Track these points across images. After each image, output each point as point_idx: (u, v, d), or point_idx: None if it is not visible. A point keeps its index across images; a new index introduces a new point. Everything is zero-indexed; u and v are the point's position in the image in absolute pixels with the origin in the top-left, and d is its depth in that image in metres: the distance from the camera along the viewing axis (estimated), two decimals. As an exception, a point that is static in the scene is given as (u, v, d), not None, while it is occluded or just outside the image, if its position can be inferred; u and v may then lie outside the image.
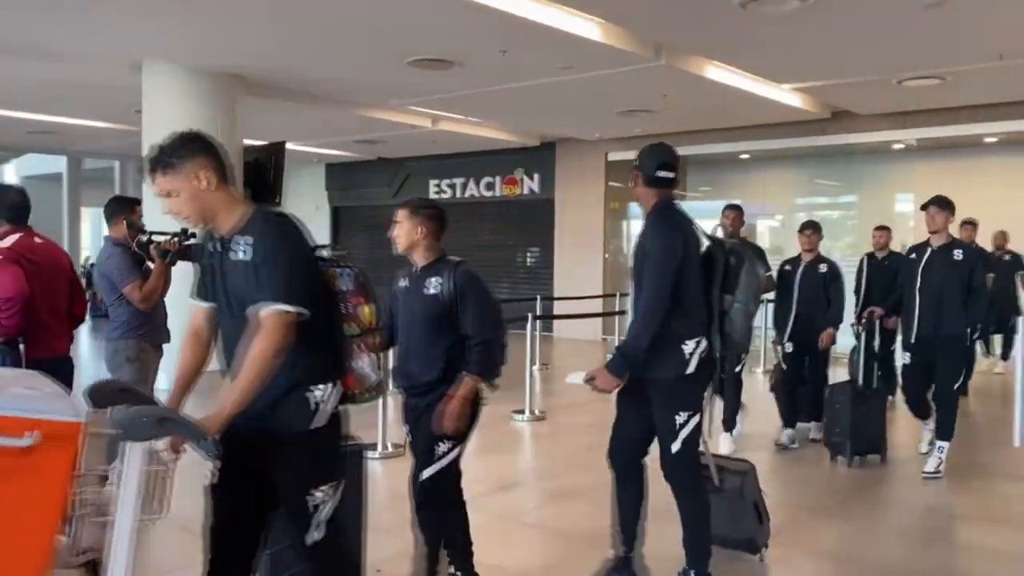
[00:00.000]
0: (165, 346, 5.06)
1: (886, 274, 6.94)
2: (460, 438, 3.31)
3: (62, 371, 3.98)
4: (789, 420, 6.31)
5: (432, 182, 16.16)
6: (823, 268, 6.16)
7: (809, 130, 11.35)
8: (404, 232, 3.33)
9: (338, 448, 2.59)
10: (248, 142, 9.35)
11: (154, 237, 4.87)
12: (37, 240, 4.06)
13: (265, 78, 8.95)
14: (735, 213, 6.27)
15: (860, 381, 5.93)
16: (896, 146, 11.89)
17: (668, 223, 3.31)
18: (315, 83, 9.31)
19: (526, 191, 14.86)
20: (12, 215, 4.02)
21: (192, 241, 4.92)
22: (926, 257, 5.44)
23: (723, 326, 3.36)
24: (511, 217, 15.39)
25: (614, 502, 3.59)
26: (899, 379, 6.15)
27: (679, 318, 3.25)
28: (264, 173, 9.23)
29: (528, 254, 15.50)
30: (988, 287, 7.54)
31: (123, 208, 4.90)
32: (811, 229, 6.25)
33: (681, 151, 11.13)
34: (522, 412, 7.35)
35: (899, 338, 5.94)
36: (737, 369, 6.11)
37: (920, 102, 9.80)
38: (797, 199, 14.29)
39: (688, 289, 3.27)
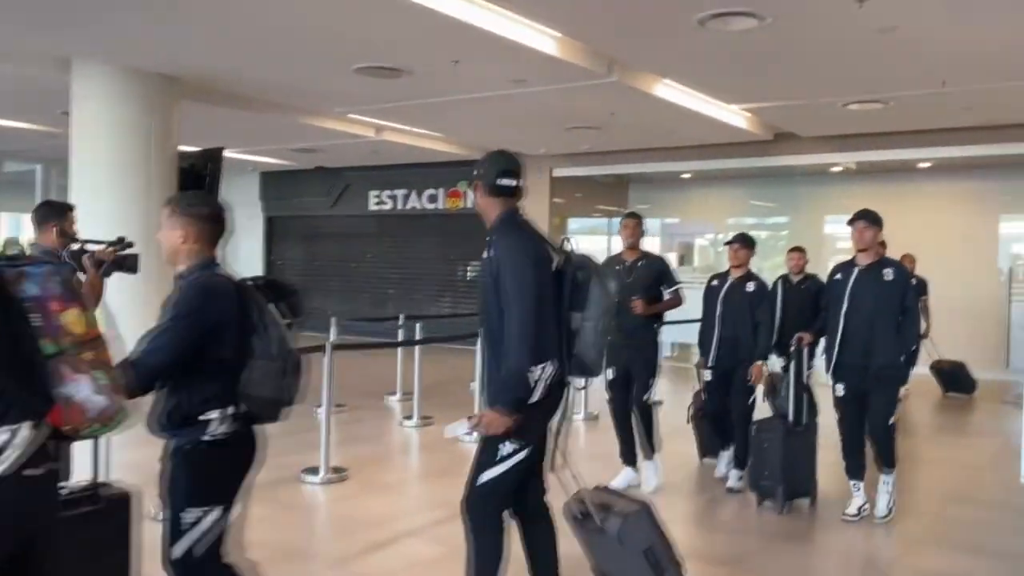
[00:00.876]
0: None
1: (803, 298, 6.48)
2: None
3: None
4: (710, 450, 6.13)
5: (372, 193, 15.88)
6: (751, 287, 5.62)
7: (752, 151, 11.47)
8: (164, 237, 2.81)
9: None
10: (182, 148, 8.98)
11: (87, 246, 4.56)
12: None
13: (203, 81, 8.59)
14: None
15: (790, 417, 5.26)
16: (834, 168, 12.13)
17: (515, 234, 3.07)
18: (257, 88, 8.99)
19: (470, 204, 14.68)
20: None
21: (129, 251, 4.65)
22: (853, 277, 4.90)
23: (572, 347, 3.03)
24: (454, 231, 15.20)
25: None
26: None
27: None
28: (200, 181, 8.86)
29: (469, 268, 15.33)
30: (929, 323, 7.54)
31: (54, 214, 4.58)
32: (739, 243, 5.68)
33: (625, 169, 11.30)
34: (316, 472, 5.69)
35: (814, 363, 5.46)
36: (645, 397, 5.51)
37: (861, 126, 9.98)
38: (735, 219, 14.50)
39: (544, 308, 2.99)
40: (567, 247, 3.12)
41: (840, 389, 4.97)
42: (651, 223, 14.80)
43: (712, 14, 5.92)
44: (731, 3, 5.77)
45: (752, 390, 5.65)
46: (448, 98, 8.83)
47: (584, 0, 5.91)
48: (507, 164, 3.18)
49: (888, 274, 4.86)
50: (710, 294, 5.80)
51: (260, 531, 3.87)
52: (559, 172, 13.44)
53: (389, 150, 13.00)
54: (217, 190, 9.15)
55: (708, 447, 6.25)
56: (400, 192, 15.57)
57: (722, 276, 5.86)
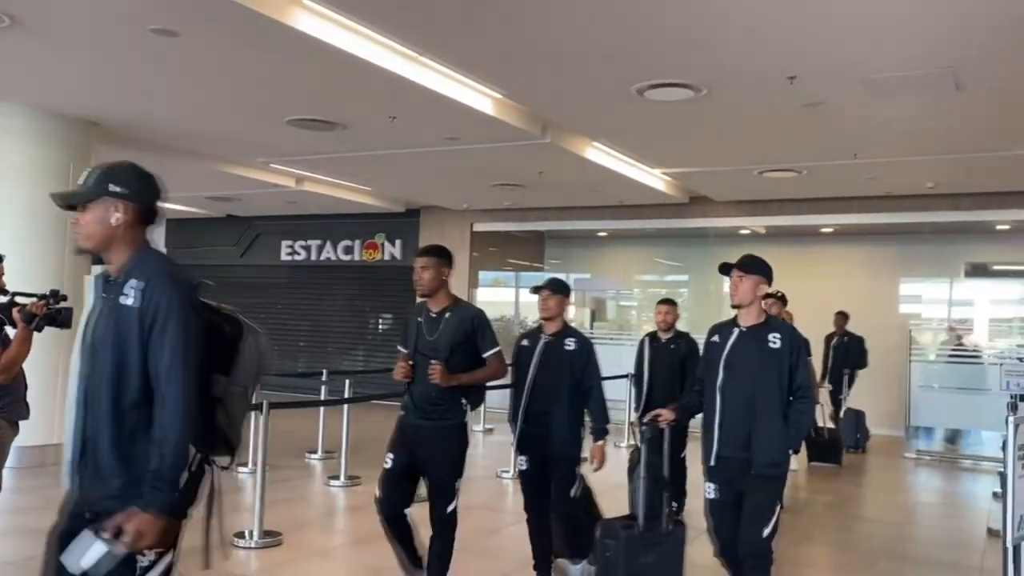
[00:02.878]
0: (23, 423, 4.44)
1: (671, 359, 5.99)
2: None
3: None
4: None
5: (285, 243, 15.60)
6: (570, 344, 4.56)
7: (668, 212, 11.85)
8: None
9: None
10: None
11: (17, 299, 4.31)
12: None
13: (123, 127, 8.32)
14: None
15: (641, 517, 4.19)
16: (743, 231, 12.64)
17: (170, 273, 2.38)
18: (179, 135, 8.75)
19: (387, 256, 14.59)
20: None
21: (62, 304, 4.41)
22: (732, 341, 3.84)
23: (215, 419, 2.45)
24: (368, 283, 15.04)
25: None
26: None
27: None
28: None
29: (381, 320, 15.15)
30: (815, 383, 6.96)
31: (-25, 263, 4.31)
32: (549, 289, 4.65)
33: (545, 226, 11.52)
34: (246, 536, 5.37)
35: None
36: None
37: (773, 192, 10.46)
38: (647, 276, 14.94)
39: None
40: (204, 293, 2.50)
41: (711, 490, 3.86)
42: (564, 278, 15.29)
43: (650, 84, 6.14)
44: (669, 75, 6.01)
45: (572, 481, 4.47)
46: (380, 152, 8.82)
47: (526, 65, 6.02)
48: (160, 187, 2.50)
49: (774, 340, 3.79)
50: (521, 357, 4.61)
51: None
52: (480, 227, 13.53)
53: (306, 200, 12.84)
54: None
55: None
56: (314, 243, 15.34)
57: (533, 334, 4.70)
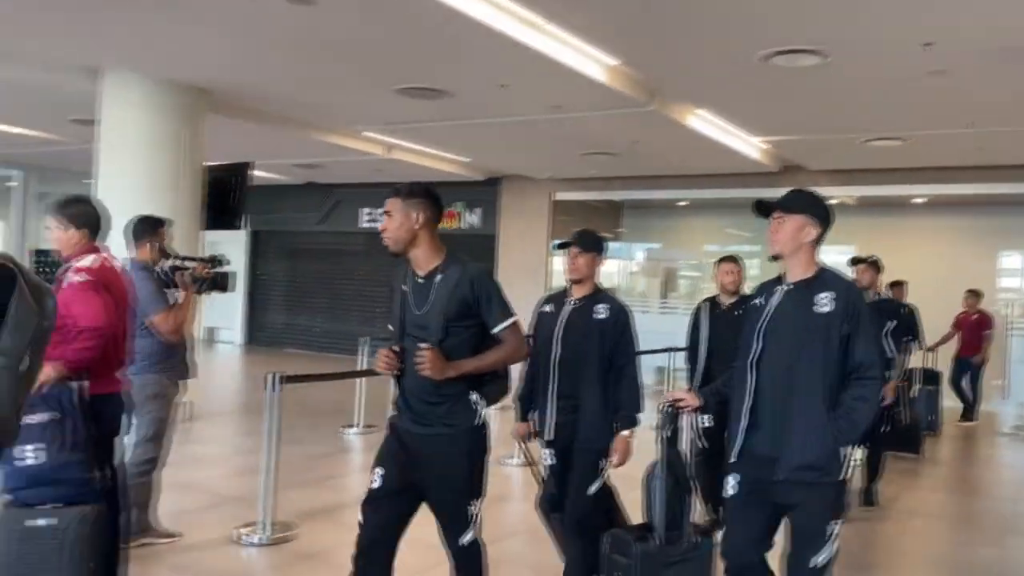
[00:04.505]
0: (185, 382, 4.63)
1: (735, 329, 4.39)
2: None
3: (118, 409, 3.57)
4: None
5: (364, 210, 15.75)
6: (601, 312, 3.76)
7: (756, 181, 11.68)
8: None
9: None
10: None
11: (184, 263, 4.48)
12: (113, 264, 3.61)
13: (233, 95, 8.46)
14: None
15: (661, 530, 3.33)
16: (831, 201, 12.41)
17: None
18: (284, 104, 8.88)
19: (465, 225, 14.68)
20: (92, 230, 3.57)
21: (224, 269, 4.57)
22: (774, 302, 2.96)
23: None
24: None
25: None
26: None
27: None
28: (227, 195, 8.73)
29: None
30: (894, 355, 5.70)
31: (150, 229, 4.48)
32: (579, 246, 3.80)
33: (627, 195, 11.45)
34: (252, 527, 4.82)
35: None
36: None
37: (870, 162, 10.26)
38: (720, 246, 14.81)
39: None
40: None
41: (731, 484, 2.99)
42: (636, 248, 15.29)
43: (777, 51, 6.06)
44: (797, 41, 5.92)
45: (594, 477, 3.69)
46: (479, 121, 8.85)
47: (650, 33, 5.98)
48: None
49: (824, 300, 2.85)
50: (541, 326, 3.87)
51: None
52: (561, 196, 13.53)
53: (392, 168, 12.92)
54: (243, 204, 9.03)
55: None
56: (393, 210, 15.47)
57: (557, 297, 3.92)
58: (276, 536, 4.76)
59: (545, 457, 3.83)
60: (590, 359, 3.68)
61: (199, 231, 8.35)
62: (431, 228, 3.01)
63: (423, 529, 3.11)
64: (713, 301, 5.20)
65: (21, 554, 3.14)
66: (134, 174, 7.91)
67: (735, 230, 14.66)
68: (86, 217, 3.55)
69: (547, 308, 3.88)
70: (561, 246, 3.90)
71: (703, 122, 8.65)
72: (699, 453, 4.85)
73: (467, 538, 3.03)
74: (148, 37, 6.73)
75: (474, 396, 2.99)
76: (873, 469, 6.11)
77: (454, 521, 3.01)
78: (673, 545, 3.33)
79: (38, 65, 7.65)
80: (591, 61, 6.80)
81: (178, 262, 4.44)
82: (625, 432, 3.64)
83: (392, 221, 2.98)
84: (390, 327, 3.12)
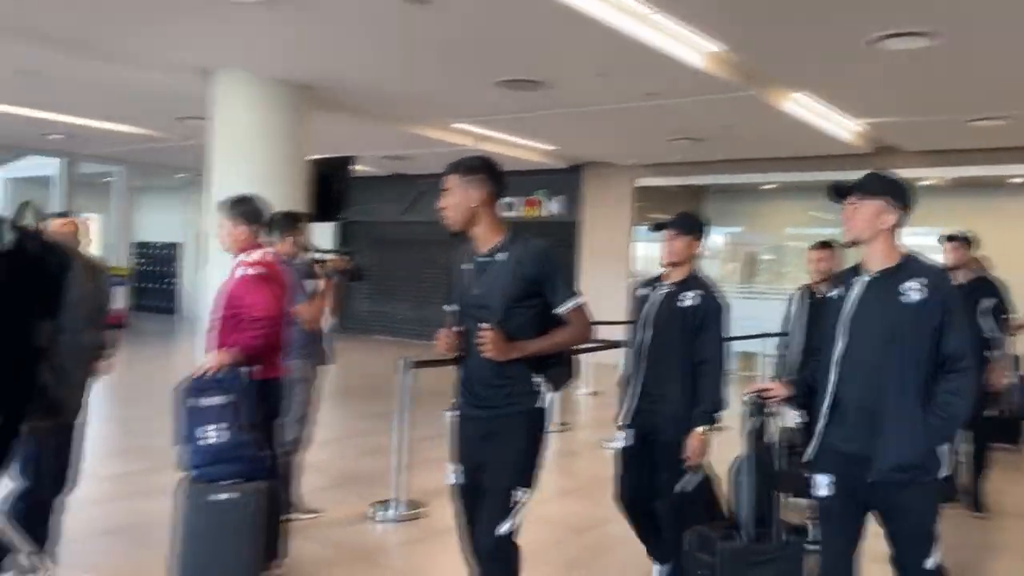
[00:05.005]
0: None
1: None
2: None
3: (280, 392, 3.83)
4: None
5: (447, 200, 16.00)
6: (689, 299, 3.62)
7: (848, 163, 11.53)
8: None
9: None
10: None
11: (318, 255, 4.74)
12: (272, 255, 3.89)
13: (334, 91, 8.74)
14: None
15: (748, 527, 3.16)
16: (925, 182, 12.18)
17: None
18: (384, 98, 9.12)
19: (547, 212, 14.82)
20: (258, 226, 3.84)
21: (356, 261, 4.81)
22: (856, 293, 2.80)
23: (37, 375, 1.97)
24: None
25: None
26: None
27: None
28: (330, 187, 9.03)
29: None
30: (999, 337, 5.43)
31: (291, 223, 4.74)
32: (676, 228, 3.67)
33: (712, 180, 11.39)
34: (385, 505, 5.07)
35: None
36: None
37: (969, 142, 10.05)
38: (805, 230, 14.62)
39: None
40: (27, 218, 2.07)
41: (824, 484, 2.82)
42: (717, 233, 15.21)
43: (886, 34, 6.03)
44: (907, 24, 5.87)
45: (682, 474, 3.54)
46: (575, 110, 8.96)
47: (758, 19, 6.00)
48: None
49: (913, 288, 2.68)
50: (637, 311, 3.77)
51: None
52: (644, 182, 13.56)
53: (476, 158, 13.15)
54: (346, 197, 9.33)
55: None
56: (475, 199, 15.69)
57: (652, 282, 3.79)
58: (408, 513, 5.01)
59: (619, 439, 3.67)
60: (674, 348, 3.52)
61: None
62: (492, 205, 2.90)
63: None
64: (808, 289, 5.03)
65: (206, 526, 3.42)
66: (245, 169, 8.25)
67: (818, 213, 14.47)
68: (252, 214, 3.81)
69: (642, 292, 3.75)
70: (657, 228, 3.74)
71: (799, 106, 8.61)
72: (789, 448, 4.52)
73: (504, 528, 2.78)
74: (258, 37, 7.02)
75: (537, 379, 2.86)
76: (978, 465, 5.62)
77: (494, 506, 2.79)
78: (761, 544, 3.12)
79: (152, 67, 8.01)
80: (691, 48, 6.85)
81: (318, 255, 4.70)
82: (699, 428, 3.44)
83: (451, 198, 2.91)
84: (446, 308, 3.04)
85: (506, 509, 2.78)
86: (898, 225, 2.76)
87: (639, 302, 3.74)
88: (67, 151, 15.10)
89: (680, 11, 6.04)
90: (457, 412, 3.00)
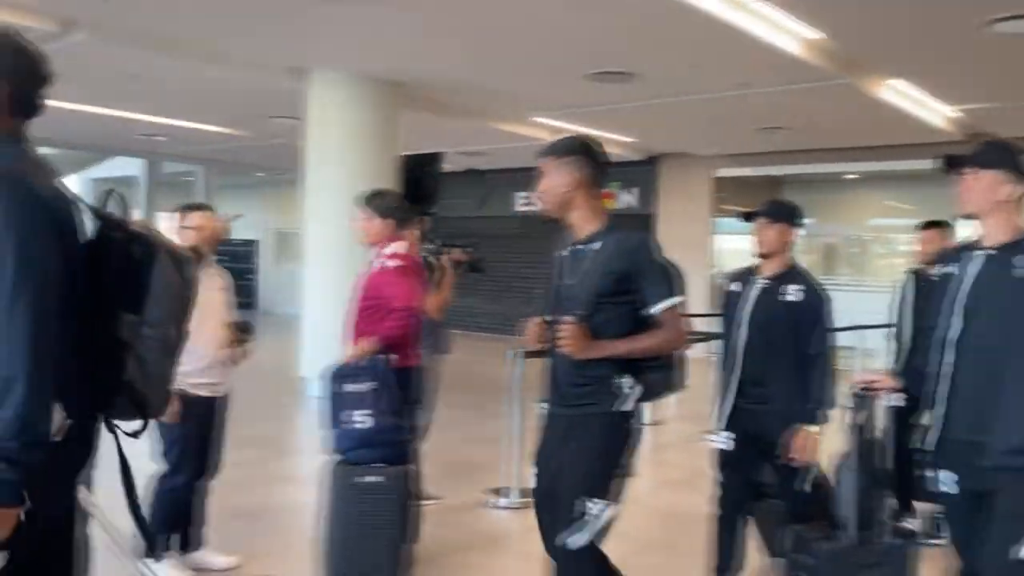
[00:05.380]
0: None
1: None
2: None
3: (417, 380, 3.94)
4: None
5: (518, 195, 16.11)
6: (792, 293, 3.44)
7: (938, 151, 11.24)
8: None
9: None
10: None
11: (443, 247, 4.84)
12: (407, 248, 4.01)
13: (424, 88, 8.87)
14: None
15: (851, 528, 3.03)
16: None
17: (22, 187, 1.67)
18: (472, 95, 9.24)
19: (623, 205, 14.78)
20: (395, 220, 3.96)
21: (477, 253, 4.91)
22: (973, 270, 2.63)
23: (122, 370, 1.80)
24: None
25: None
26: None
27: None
28: (419, 183, 9.16)
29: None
30: None
31: (412, 216, 4.84)
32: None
33: (796, 169, 11.20)
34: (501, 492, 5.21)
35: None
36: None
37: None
38: (884, 220, 14.34)
39: (59, 308, 1.68)
40: (111, 205, 1.89)
41: (949, 482, 2.63)
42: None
43: (998, 17, 5.90)
44: (1016, 5, 5.74)
45: (796, 474, 3.33)
46: (661, 101, 8.94)
47: (865, 6, 5.94)
48: (43, 70, 1.83)
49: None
50: (727, 306, 3.57)
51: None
52: (723, 172, 13.45)
53: (552, 152, 13.19)
54: (437, 192, 9.45)
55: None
56: (549, 193, 15.74)
57: (744, 275, 3.59)
58: (523, 500, 5.08)
59: (719, 441, 3.47)
60: (780, 346, 3.32)
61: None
62: (589, 189, 2.68)
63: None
64: (918, 273, 4.75)
65: (355, 507, 3.54)
66: (339, 166, 8.46)
67: (895, 202, 14.19)
68: (390, 208, 3.93)
69: (733, 287, 3.53)
70: (746, 217, 3.52)
71: (895, 93, 8.45)
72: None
73: (571, 540, 2.58)
74: (354, 36, 7.17)
75: (624, 381, 2.62)
76: None
77: (565, 513, 2.59)
78: (865, 546, 2.96)
79: (249, 67, 8.25)
80: (788, 36, 6.79)
81: (440, 247, 4.80)
82: (812, 427, 3.25)
83: (545, 182, 2.70)
84: (538, 297, 2.91)
85: (572, 520, 2.56)
86: (1018, 198, 2.57)
87: (730, 297, 3.52)
88: (151, 151, 15.58)
89: (782, -1, 6.00)
90: (545, 408, 2.82)
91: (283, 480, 5.74)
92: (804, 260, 14.31)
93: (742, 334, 3.40)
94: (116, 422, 1.86)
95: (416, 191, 9.06)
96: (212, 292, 3.75)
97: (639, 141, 12.60)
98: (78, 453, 1.83)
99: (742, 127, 10.49)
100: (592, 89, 8.44)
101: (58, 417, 1.67)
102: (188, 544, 3.86)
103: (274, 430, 7.01)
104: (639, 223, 14.48)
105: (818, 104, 8.85)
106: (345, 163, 8.40)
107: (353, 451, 3.58)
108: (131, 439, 1.84)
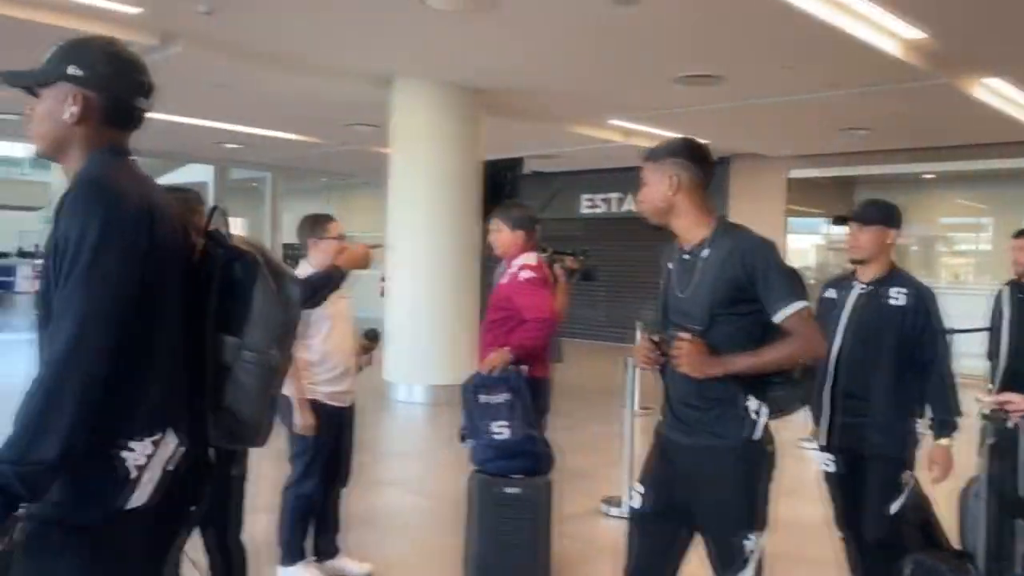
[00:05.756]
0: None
1: None
2: None
3: (547, 390, 3.95)
4: None
5: (584, 196, 16.08)
6: (897, 297, 3.17)
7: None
8: None
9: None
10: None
11: (555, 256, 4.82)
12: (539, 259, 4.02)
13: (505, 94, 8.89)
14: None
15: (980, 556, 2.85)
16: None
17: (110, 192, 1.62)
18: (552, 99, 9.23)
19: (693, 208, 14.65)
20: (528, 232, 3.98)
21: (589, 262, 4.89)
22: None
23: (222, 396, 1.73)
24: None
25: None
26: None
27: (140, 388, 1.61)
28: (501, 188, 9.22)
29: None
30: None
31: (529, 225, 4.85)
32: (859, 221, 3.26)
33: (876, 170, 10.99)
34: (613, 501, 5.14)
35: None
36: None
37: None
38: (963, 220, 14.01)
39: (156, 324, 1.65)
40: (217, 222, 1.81)
41: None
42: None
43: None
44: None
45: (893, 494, 3.09)
46: (747, 103, 8.85)
47: (973, 3, 5.81)
48: (143, 80, 1.83)
49: None
50: (823, 313, 3.24)
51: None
52: (797, 174, 13.27)
53: (622, 153, 13.12)
54: (516, 197, 9.50)
55: None
56: (614, 195, 15.68)
57: (842, 281, 3.36)
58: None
59: (825, 463, 3.25)
60: (883, 353, 3.09)
61: (479, 223, 8.88)
62: (693, 193, 2.49)
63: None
64: (1016, 284, 4.49)
65: (497, 519, 3.56)
66: (423, 172, 8.53)
67: (967, 202, 13.85)
68: (524, 220, 3.94)
69: (830, 293, 3.31)
70: (839, 221, 3.32)
71: (988, 92, 8.27)
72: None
73: None
74: (439, 45, 7.21)
75: (752, 403, 2.39)
76: None
77: (722, 555, 2.45)
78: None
79: (335, 76, 8.33)
80: (886, 36, 6.67)
81: (552, 255, 4.79)
82: (944, 440, 3.08)
83: (647, 189, 2.53)
84: (648, 315, 2.72)
85: (739, 559, 2.41)
86: None
87: (825, 304, 3.27)
88: (223, 158, 15.87)
89: (888, -1, 5.90)
90: (658, 431, 2.60)
91: (387, 484, 5.81)
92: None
93: (836, 343, 3.15)
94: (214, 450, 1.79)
95: (498, 196, 9.12)
96: (340, 301, 3.78)
97: (712, 142, 12.38)
98: (189, 488, 1.73)
99: (822, 128, 10.34)
100: (677, 92, 8.39)
101: (171, 445, 1.62)
102: (324, 551, 3.91)
103: (368, 435, 7.08)
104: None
105: (907, 104, 8.68)
106: (429, 169, 8.47)
107: (493, 462, 3.60)
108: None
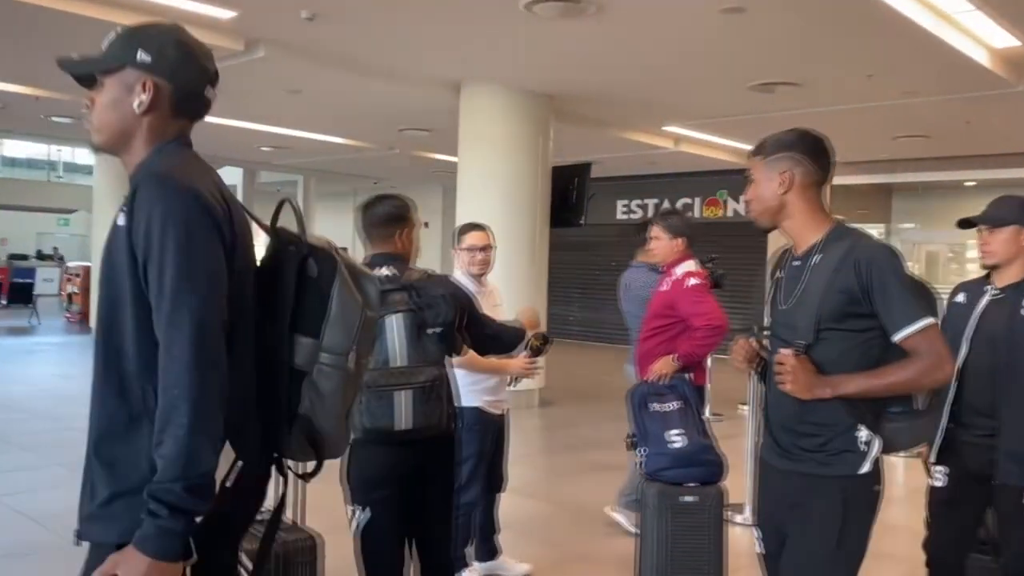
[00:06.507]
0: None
1: None
2: None
3: (702, 396, 3.95)
4: None
5: (620, 202, 16.08)
6: None
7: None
8: None
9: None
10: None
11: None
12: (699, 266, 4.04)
13: (573, 100, 8.89)
14: None
15: None
16: None
17: (189, 188, 1.52)
18: (618, 105, 9.24)
19: (730, 213, 14.67)
20: (688, 239, 3.98)
21: (720, 270, 4.90)
22: None
23: (298, 403, 1.61)
24: (707, 240, 15.18)
25: None
26: None
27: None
28: (568, 193, 9.21)
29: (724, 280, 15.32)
30: None
31: (643, 230, 4.85)
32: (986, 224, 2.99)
33: (925, 177, 10.95)
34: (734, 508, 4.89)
35: None
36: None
37: None
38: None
39: (236, 325, 1.55)
40: (285, 216, 1.72)
41: None
42: (906, 232, 14.81)
43: None
44: None
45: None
46: (815, 110, 8.85)
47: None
48: (214, 63, 1.72)
49: None
50: (951, 320, 2.93)
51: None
52: (843, 181, 13.25)
53: (664, 159, 13.14)
54: (584, 202, 9.49)
55: None
56: (651, 201, 15.68)
57: (974, 285, 3.07)
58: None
59: (937, 477, 2.97)
60: (1015, 366, 2.77)
61: (547, 229, 8.88)
62: (807, 191, 2.20)
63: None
64: None
65: (675, 526, 3.55)
66: (492, 177, 8.51)
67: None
68: (684, 228, 3.94)
69: (959, 298, 3.03)
70: (964, 225, 3.02)
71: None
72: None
73: None
74: (511, 50, 7.20)
75: (863, 434, 2.10)
76: None
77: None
78: None
79: (405, 81, 8.30)
80: (978, 44, 6.70)
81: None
82: None
83: (755, 188, 2.26)
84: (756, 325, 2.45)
85: None
86: None
87: (954, 309, 3.00)
88: (251, 161, 15.76)
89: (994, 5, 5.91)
90: (761, 456, 2.36)
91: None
92: (912, 269, 14.43)
93: (961, 353, 2.86)
94: (288, 463, 1.66)
95: (565, 202, 9.13)
96: (492, 310, 3.77)
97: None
98: (249, 503, 1.63)
99: (876, 135, 10.37)
100: (746, 98, 8.39)
101: (229, 459, 1.48)
102: (487, 552, 3.91)
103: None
104: (749, 231, 14.27)
105: (977, 112, 8.70)
106: (497, 175, 8.45)
107: (669, 471, 3.59)
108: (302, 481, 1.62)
